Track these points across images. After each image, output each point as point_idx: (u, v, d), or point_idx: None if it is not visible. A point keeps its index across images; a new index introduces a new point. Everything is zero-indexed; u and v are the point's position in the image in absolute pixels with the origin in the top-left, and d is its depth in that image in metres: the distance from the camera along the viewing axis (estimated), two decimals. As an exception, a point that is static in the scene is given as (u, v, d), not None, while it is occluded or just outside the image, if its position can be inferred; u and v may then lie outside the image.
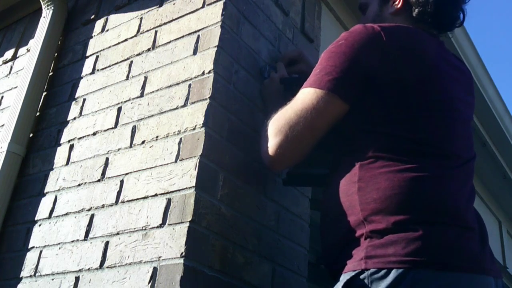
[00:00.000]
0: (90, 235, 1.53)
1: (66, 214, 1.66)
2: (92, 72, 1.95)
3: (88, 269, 1.47)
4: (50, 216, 1.71)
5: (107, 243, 1.47)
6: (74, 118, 1.88)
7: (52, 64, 2.15)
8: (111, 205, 1.54)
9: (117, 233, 1.46)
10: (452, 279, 1.05)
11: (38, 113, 2.06)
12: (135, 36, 1.87)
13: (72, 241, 1.58)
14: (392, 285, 1.03)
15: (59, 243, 1.61)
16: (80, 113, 1.88)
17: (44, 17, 2.21)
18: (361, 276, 1.07)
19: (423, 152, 1.19)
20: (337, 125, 1.29)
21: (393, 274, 1.04)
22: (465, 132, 1.31)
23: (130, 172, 1.54)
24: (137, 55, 1.80)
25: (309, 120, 1.25)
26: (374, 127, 1.23)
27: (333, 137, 1.34)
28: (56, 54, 2.17)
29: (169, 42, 1.72)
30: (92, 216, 1.57)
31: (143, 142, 1.57)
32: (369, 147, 1.21)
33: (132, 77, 1.77)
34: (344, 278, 1.11)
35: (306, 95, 1.27)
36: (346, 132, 1.30)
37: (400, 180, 1.13)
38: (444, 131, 1.24)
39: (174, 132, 1.50)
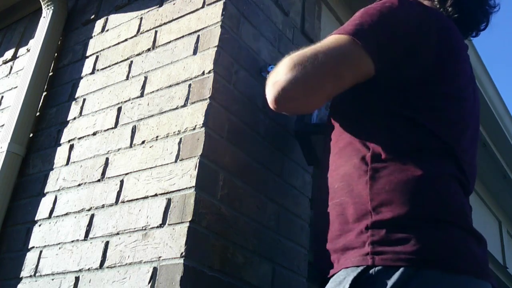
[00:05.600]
0: (90, 235, 1.53)
1: (66, 214, 1.66)
2: (92, 72, 1.95)
3: (88, 269, 1.47)
4: (50, 216, 1.71)
5: (107, 243, 1.47)
6: (74, 118, 1.89)
7: (52, 64, 2.15)
8: (111, 205, 1.54)
9: (117, 233, 1.46)
10: (458, 282, 1.04)
11: (38, 113, 2.06)
12: (135, 36, 1.87)
13: (72, 241, 1.58)
14: (400, 283, 1.01)
15: (59, 243, 1.61)
16: (80, 113, 1.88)
17: (44, 17, 2.21)
18: (369, 272, 1.04)
19: (439, 149, 1.16)
20: (355, 100, 1.22)
21: (401, 272, 1.01)
22: (473, 142, 1.28)
23: (130, 172, 1.54)
24: (137, 55, 1.80)
25: (334, 65, 1.15)
26: (395, 107, 1.17)
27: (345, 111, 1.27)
28: (56, 54, 2.17)
29: (169, 42, 1.72)
30: (92, 216, 1.57)
31: (143, 142, 1.57)
32: (386, 133, 1.16)
33: (132, 77, 1.77)
34: (347, 273, 1.07)
35: (332, 41, 1.17)
36: (364, 110, 1.22)
37: (414, 175, 1.10)
38: (462, 133, 1.21)
39: (174, 132, 1.50)
